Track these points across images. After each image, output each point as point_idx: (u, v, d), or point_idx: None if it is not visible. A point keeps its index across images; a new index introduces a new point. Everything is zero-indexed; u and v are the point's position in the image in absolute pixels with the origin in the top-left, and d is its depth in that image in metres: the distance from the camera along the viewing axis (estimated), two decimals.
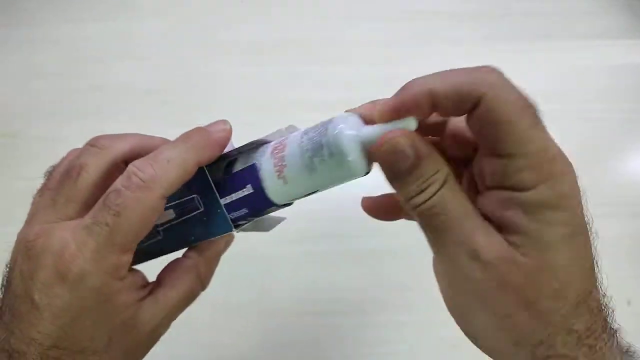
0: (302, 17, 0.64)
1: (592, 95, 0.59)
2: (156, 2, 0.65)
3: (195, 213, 0.24)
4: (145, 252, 0.24)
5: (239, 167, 0.24)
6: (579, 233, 0.21)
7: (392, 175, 0.20)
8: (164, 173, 0.21)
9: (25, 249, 0.22)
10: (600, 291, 0.22)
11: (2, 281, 0.23)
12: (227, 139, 0.25)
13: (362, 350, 0.47)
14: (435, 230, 0.20)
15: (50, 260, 0.21)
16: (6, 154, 0.55)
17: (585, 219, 0.22)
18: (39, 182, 0.56)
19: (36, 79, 0.60)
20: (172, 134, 0.58)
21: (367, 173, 0.22)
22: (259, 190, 0.22)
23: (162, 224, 0.25)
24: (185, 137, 0.24)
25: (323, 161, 0.21)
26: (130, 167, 0.22)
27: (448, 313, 0.50)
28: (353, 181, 0.23)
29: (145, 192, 0.21)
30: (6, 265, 0.23)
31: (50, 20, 0.64)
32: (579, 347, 0.19)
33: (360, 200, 0.27)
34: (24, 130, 0.57)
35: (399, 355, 0.47)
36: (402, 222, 0.53)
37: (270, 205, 0.23)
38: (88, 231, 0.21)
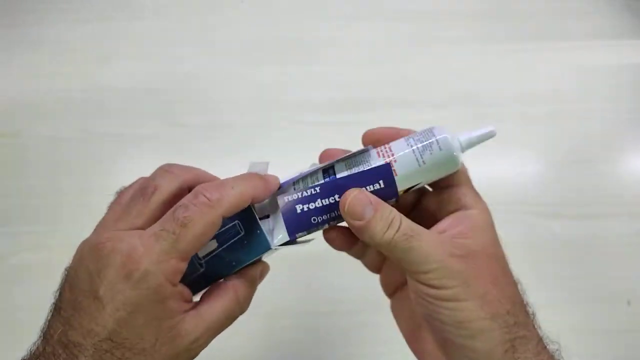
0: (302, 17, 0.64)
1: (591, 95, 0.59)
2: (156, 2, 0.65)
3: (236, 238, 0.28)
4: (189, 285, 0.26)
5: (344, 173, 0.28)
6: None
7: (360, 226, 0.25)
8: (227, 197, 0.25)
9: (96, 250, 0.24)
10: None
11: (62, 281, 0.25)
12: (275, 189, 0.28)
13: (362, 350, 0.47)
14: (412, 249, 0.24)
15: (119, 260, 0.23)
16: (6, 154, 0.56)
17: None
18: (39, 182, 0.56)
19: (36, 79, 0.60)
20: (172, 134, 0.59)
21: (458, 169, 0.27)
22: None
23: (205, 255, 0.28)
24: (247, 176, 0.28)
25: (432, 155, 0.26)
26: (198, 188, 0.25)
27: None
28: None
29: (210, 209, 0.24)
30: (65, 269, 0.25)
31: (50, 20, 0.64)
32: (531, 317, 0.26)
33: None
34: (24, 130, 0.57)
35: (399, 354, 0.47)
36: None
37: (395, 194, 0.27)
38: (155, 237, 0.23)
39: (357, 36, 0.63)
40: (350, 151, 0.28)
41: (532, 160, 0.56)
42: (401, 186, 0.27)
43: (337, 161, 0.28)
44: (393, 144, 0.28)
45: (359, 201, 0.25)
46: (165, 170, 0.28)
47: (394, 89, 0.59)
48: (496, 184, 0.54)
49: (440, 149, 0.26)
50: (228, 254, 0.28)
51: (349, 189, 0.26)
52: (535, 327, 0.25)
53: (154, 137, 0.56)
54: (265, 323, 0.48)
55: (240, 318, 0.49)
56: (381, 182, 0.27)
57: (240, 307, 0.28)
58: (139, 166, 0.56)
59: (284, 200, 0.28)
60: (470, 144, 0.27)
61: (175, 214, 0.24)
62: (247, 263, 0.28)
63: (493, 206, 0.53)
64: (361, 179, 0.27)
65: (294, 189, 0.28)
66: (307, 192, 0.27)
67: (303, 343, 0.47)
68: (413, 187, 0.27)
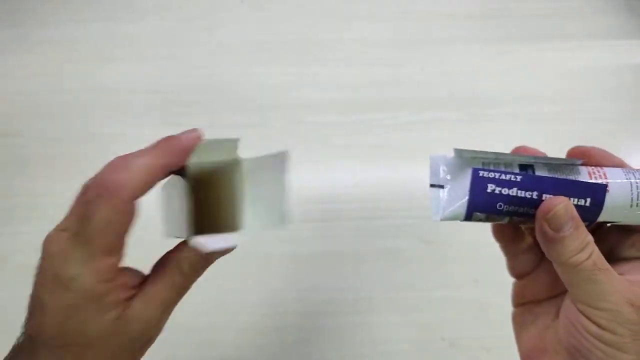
0: (302, 18, 0.64)
1: (592, 95, 0.59)
2: (156, 3, 0.65)
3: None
4: None
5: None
6: None
7: (553, 237, 0.24)
8: (125, 182, 0.23)
9: (42, 249, 0.25)
10: None
11: None
12: (192, 144, 0.27)
13: (362, 350, 0.47)
14: (596, 282, 0.23)
15: (49, 264, 0.24)
16: (7, 154, 0.56)
17: None
18: (39, 182, 0.56)
19: (36, 79, 0.60)
20: (171, 134, 0.58)
21: None
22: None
23: None
24: (151, 147, 0.27)
25: None
26: (89, 181, 0.24)
27: (448, 313, 0.51)
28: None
29: (107, 201, 0.23)
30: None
31: (50, 20, 0.64)
32: None
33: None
34: (24, 130, 0.57)
35: (399, 354, 0.47)
36: (400, 222, 0.53)
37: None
38: (69, 239, 0.24)
39: (357, 37, 0.63)
40: (552, 157, 0.27)
41: None
42: (602, 217, 0.25)
43: (538, 160, 0.26)
44: (608, 170, 0.26)
45: (566, 212, 0.24)
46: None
47: (394, 90, 0.59)
48: None
49: None
50: None
51: (553, 192, 0.24)
52: None
53: (155, 138, 0.56)
54: (264, 323, 0.48)
55: (239, 317, 0.49)
56: (589, 200, 0.24)
57: (186, 277, 0.26)
58: None
59: (478, 173, 0.25)
60: None
61: (76, 211, 0.24)
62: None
63: None
64: (569, 188, 0.24)
65: (483, 166, 0.26)
66: (505, 176, 0.25)
67: (303, 342, 0.47)
68: (610, 222, 0.26)
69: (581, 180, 0.25)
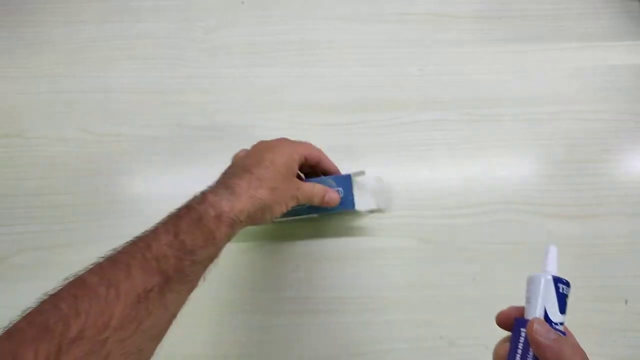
0: (302, 19, 0.64)
1: (590, 96, 0.59)
2: (156, 3, 0.65)
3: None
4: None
5: None
6: None
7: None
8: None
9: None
10: None
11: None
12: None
13: (362, 349, 0.47)
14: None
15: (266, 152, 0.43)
16: (8, 154, 0.56)
17: None
18: (40, 182, 0.56)
19: (39, 79, 0.60)
20: (173, 134, 0.59)
21: None
22: None
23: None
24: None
25: None
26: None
27: (447, 313, 0.51)
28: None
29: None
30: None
31: (51, 21, 0.64)
32: None
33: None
34: (25, 130, 0.57)
35: (399, 353, 0.47)
36: (400, 222, 0.53)
37: None
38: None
39: (357, 38, 0.63)
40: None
41: (531, 161, 0.56)
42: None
43: None
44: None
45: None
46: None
47: (394, 91, 0.59)
48: (495, 184, 0.54)
49: None
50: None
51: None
52: None
53: (155, 138, 0.56)
54: (266, 321, 0.48)
55: (239, 316, 0.49)
56: None
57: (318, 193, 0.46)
58: (140, 166, 0.56)
59: None
60: None
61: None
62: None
63: (492, 206, 0.53)
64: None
65: None
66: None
67: (302, 342, 0.47)
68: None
69: None
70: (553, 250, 0.34)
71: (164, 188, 0.54)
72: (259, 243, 0.51)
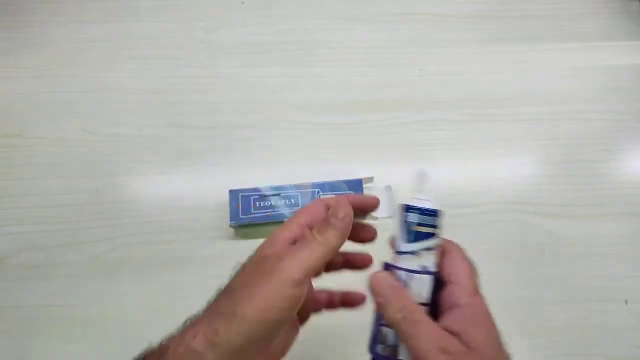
0: (302, 19, 0.64)
1: (590, 96, 0.59)
2: (157, 3, 0.65)
3: None
4: None
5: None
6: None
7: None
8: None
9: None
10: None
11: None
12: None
13: (363, 349, 0.47)
14: (410, 338, 0.29)
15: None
16: (9, 154, 0.56)
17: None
18: (40, 182, 0.56)
19: (37, 79, 0.60)
20: (173, 135, 0.59)
21: None
22: None
23: None
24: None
25: None
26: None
27: None
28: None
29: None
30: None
31: (51, 21, 0.64)
32: None
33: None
34: (26, 130, 0.57)
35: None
36: None
37: None
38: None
39: (357, 38, 0.63)
40: None
41: (531, 161, 0.56)
42: None
43: None
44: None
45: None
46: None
47: (394, 91, 0.59)
48: (495, 184, 0.54)
49: None
50: None
51: None
52: None
53: (156, 138, 0.56)
54: None
55: None
56: None
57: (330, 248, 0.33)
58: (140, 167, 0.56)
59: None
60: None
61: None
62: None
63: (492, 206, 0.53)
64: None
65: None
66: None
67: (303, 341, 0.47)
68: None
69: None
70: (420, 173, 0.32)
71: (163, 188, 0.54)
72: (259, 243, 0.51)
